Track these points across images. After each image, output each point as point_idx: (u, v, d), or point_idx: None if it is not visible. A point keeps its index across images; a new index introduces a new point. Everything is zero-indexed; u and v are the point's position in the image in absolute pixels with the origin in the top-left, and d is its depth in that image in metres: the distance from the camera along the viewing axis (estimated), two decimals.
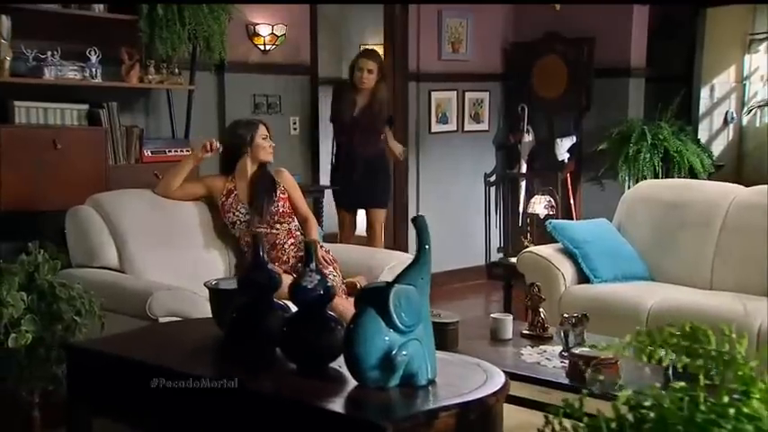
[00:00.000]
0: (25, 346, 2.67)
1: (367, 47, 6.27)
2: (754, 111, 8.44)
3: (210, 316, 3.47)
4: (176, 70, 5.29)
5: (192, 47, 5.25)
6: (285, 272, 4.27)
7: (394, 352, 2.04)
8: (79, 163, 4.80)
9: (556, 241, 4.91)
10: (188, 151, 5.09)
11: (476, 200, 7.26)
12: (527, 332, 3.81)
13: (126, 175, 4.95)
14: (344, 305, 3.87)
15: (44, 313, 2.75)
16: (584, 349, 3.26)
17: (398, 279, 2.11)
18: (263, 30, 5.93)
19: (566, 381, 3.19)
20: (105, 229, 4.17)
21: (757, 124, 8.61)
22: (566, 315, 3.55)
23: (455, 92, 7.00)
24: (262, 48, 5.96)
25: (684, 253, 4.67)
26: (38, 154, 4.64)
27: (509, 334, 3.76)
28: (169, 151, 5.24)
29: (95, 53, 4.94)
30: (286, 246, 4.39)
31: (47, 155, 4.66)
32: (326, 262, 4.35)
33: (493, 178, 7.34)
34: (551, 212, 5.75)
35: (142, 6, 4.93)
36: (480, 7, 6.96)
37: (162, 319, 3.56)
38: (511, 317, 3.84)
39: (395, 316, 2.02)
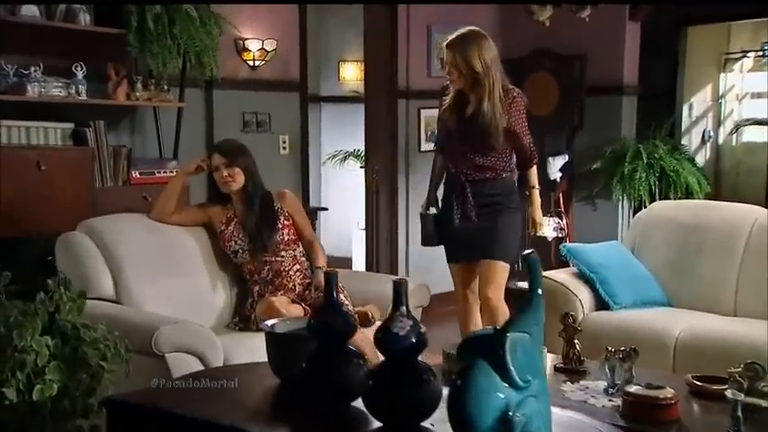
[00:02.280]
0: (50, 398, 2.37)
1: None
2: (734, 130, 8.41)
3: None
4: (165, 87, 5.01)
5: (183, 62, 4.97)
6: (293, 301, 4.06)
7: (511, 412, 1.79)
8: (64, 185, 4.54)
9: (562, 265, 4.73)
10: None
11: None
12: (561, 365, 3.59)
13: (113, 198, 4.70)
14: (360, 337, 3.62)
15: (68, 359, 2.45)
16: (638, 387, 3.06)
17: (510, 326, 1.86)
18: (253, 45, 5.66)
19: (622, 422, 2.98)
20: (100, 257, 3.90)
21: (733, 143, 8.59)
22: (611, 348, 3.33)
23: None
24: (251, 63, 5.70)
25: (705, 277, 4.50)
26: (20, 176, 4.36)
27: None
28: (158, 172, 4.95)
29: (81, 69, 4.65)
30: (291, 272, 4.15)
31: (30, 177, 4.39)
32: None
33: None
34: (561, 235, 5.56)
35: (131, 20, 4.63)
36: (470, 22, 6.76)
37: (168, 355, 3.34)
38: (545, 350, 3.62)
39: (512, 369, 1.78)
